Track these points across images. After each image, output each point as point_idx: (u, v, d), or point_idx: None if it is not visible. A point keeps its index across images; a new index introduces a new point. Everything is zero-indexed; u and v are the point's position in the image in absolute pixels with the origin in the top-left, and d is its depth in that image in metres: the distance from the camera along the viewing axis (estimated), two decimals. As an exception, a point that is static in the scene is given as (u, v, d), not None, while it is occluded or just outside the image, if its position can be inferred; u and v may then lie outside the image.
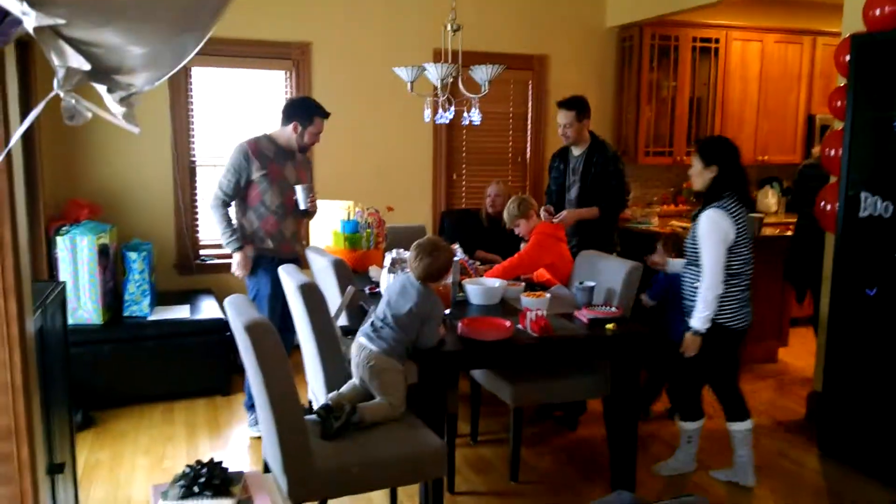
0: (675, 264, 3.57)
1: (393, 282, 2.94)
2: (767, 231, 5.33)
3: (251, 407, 3.84)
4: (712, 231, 3.13)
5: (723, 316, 3.22)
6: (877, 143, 3.43)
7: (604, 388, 3.42)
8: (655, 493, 3.35)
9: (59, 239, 4.05)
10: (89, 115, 0.77)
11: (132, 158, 4.95)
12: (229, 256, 5.08)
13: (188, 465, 1.49)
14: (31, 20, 0.65)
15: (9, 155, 1.27)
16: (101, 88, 0.76)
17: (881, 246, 3.38)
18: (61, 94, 0.73)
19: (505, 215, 4.07)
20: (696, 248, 3.24)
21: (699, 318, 3.19)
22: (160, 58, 0.77)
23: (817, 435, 3.86)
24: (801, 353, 5.45)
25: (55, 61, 0.70)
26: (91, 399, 4.12)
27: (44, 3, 0.64)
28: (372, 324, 2.85)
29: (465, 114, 3.82)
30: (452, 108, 3.76)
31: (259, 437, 3.68)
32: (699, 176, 3.26)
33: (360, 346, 2.82)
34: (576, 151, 4.32)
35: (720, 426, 4.11)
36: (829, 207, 3.78)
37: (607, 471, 3.46)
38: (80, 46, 0.70)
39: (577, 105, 4.21)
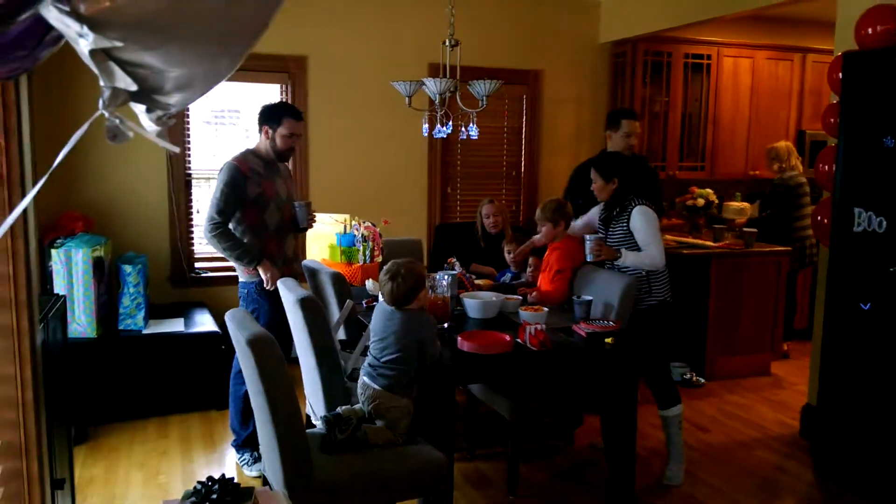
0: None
1: (374, 317, 2.86)
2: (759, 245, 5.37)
3: (241, 447, 3.72)
4: (650, 220, 3.56)
5: (661, 292, 3.62)
6: (869, 159, 3.47)
7: (602, 403, 3.43)
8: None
9: (53, 252, 4.02)
10: (131, 134, 0.78)
11: (126, 171, 4.93)
12: (223, 269, 5.13)
13: (199, 482, 1.48)
14: (88, 42, 0.66)
15: (22, 171, 1.27)
16: (140, 108, 0.77)
17: (876, 261, 3.42)
18: (105, 115, 0.74)
19: (538, 213, 3.95)
20: (627, 242, 3.58)
21: (628, 259, 3.53)
22: (196, 80, 0.78)
23: (812, 450, 3.88)
24: (794, 366, 5.49)
25: (103, 82, 0.71)
26: (85, 414, 4.08)
27: (102, 26, 0.65)
28: (370, 363, 2.82)
29: (463, 128, 3.83)
30: (450, 123, 3.78)
31: (258, 477, 3.57)
32: (602, 190, 3.68)
33: (364, 385, 2.79)
34: None
35: (718, 439, 4.14)
36: (824, 221, 3.82)
37: (605, 485, 3.47)
38: (126, 67, 0.71)
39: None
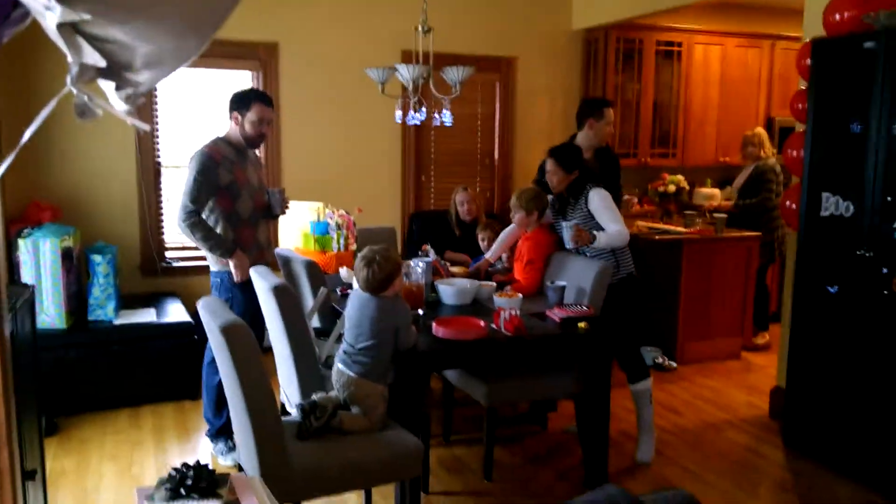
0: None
1: (349, 304, 2.86)
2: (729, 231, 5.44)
3: (215, 436, 3.70)
4: (606, 200, 3.64)
5: (627, 266, 3.73)
6: (836, 144, 3.53)
7: (576, 387, 3.46)
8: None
9: (20, 242, 3.95)
10: (100, 112, 0.76)
11: (95, 160, 4.85)
12: (195, 259, 5.08)
13: (173, 468, 1.48)
14: (55, 16, 0.64)
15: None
16: (109, 86, 0.76)
17: (842, 244, 3.49)
18: (74, 91, 0.72)
19: (513, 199, 3.90)
20: (587, 226, 3.62)
21: (602, 240, 3.56)
22: (164, 57, 0.77)
23: (782, 430, 3.96)
24: (763, 350, 5.59)
25: (70, 58, 0.69)
26: (55, 405, 4.03)
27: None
28: (345, 350, 2.81)
29: (436, 115, 3.83)
30: (424, 110, 3.77)
31: (233, 466, 3.55)
32: (563, 182, 3.72)
33: (339, 373, 2.79)
34: (587, 153, 4.27)
35: (689, 422, 4.21)
36: (792, 206, 3.88)
37: (580, 469, 3.51)
38: (93, 42, 0.70)
39: None
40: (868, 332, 3.38)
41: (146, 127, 0.85)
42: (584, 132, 4.23)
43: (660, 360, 5.12)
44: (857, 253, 3.40)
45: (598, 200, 3.63)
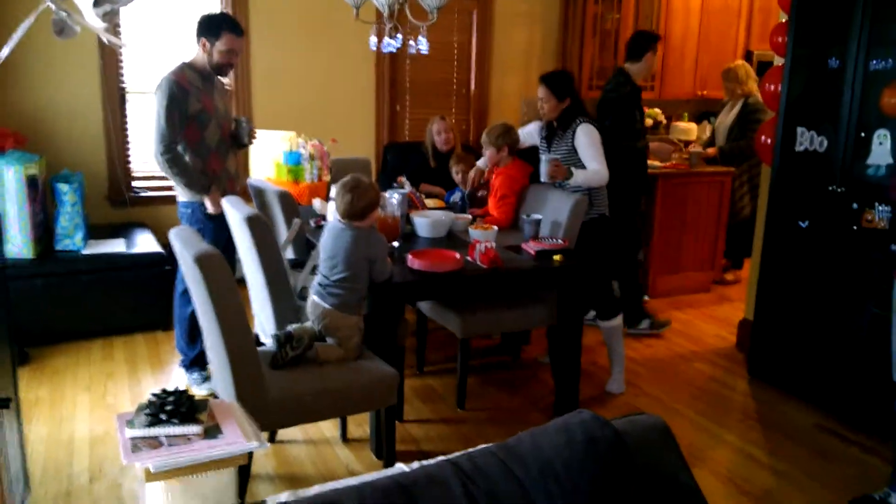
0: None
1: (324, 236, 2.84)
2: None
3: (189, 367, 3.69)
4: (592, 137, 3.59)
5: (601, 207, 3.72)
6: (814, 79, 3.52)
7: (549, 319, 3.50)
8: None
9: (-18, 169, 3.83)
10: (78, 29, 0.71)
11: (58, 85, 4.68)
12: (164, 189, 4.98)
13: (153, 394, 1.47)
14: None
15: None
16: (86, 2, 0.71)
17: (815, 180, 3.52)
18: (52, 7, 0.67)
19: (483, 136, 3.92)
20: (570, 159, 3.63)
21: (580, 177, 3.56)
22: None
23: (748, 360, 4.07)
24: (733, 284, 5.69)
25: (47, -30, 0.65)
26: (25, 335, 3.98)
27: None
28: (320, 283, 2.80)
29: (412, 42, 3.73)
30: (399, 36, 3.66)
31: (208, 395, 3.58)
32: (554, 110, 3.67)
33: (314, 304, 2.79)
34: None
35: (659, 353, 4.30)
36: (768, 141, 3.89)
37: (551, 398, 3.58)
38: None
39: None
40: (835, 267, 3.44)
41: (123, 44, 0.81)
42: (641, 64, 4.25)
43: (631, 292, 5.19)
44: (829, 188, 3.43)
45: (584, 137, 3.59)
